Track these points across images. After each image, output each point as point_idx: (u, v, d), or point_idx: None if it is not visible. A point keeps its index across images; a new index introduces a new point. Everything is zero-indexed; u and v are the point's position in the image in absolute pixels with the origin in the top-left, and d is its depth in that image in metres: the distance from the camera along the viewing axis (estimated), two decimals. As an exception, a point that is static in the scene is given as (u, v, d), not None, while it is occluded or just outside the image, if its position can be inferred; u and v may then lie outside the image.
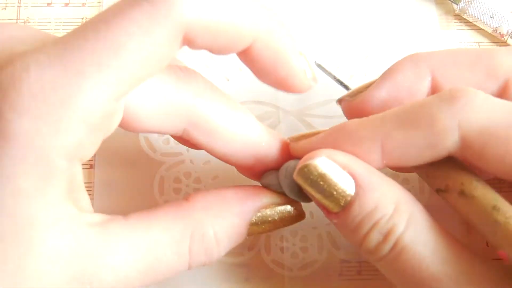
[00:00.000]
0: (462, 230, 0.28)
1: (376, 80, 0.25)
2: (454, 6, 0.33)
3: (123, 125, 0.22)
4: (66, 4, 0.33)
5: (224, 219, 0.22)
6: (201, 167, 0.29)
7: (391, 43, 0.32)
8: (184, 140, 0.24)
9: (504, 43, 0.32)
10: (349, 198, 0.21)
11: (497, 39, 0.32)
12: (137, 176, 0.29)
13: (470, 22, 0.33)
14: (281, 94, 0.31)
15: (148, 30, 0.19)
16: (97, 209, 0.28)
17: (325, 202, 0.22)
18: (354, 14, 0.33)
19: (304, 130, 0.30)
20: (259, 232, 0.24)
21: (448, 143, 0.21)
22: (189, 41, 0.20)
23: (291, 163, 0.24)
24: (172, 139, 0.30)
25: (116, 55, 0.18)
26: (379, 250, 0.21)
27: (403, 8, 0.33)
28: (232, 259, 0.28)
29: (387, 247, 0.21)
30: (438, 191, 0.22)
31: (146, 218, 0.21)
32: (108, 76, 0.18)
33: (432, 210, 0.28)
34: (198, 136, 0.23)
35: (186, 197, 0.23)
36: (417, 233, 0.21)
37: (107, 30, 0.19)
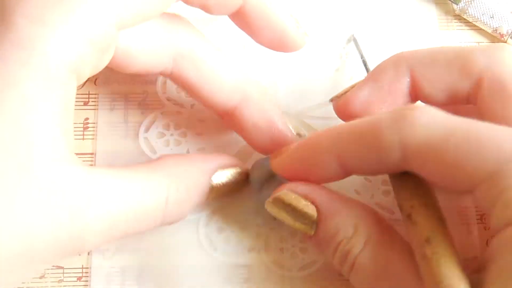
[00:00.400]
0: (462, 230, 0.28)
1: (361, 80, 0.26)
2: (454, 6, 0.33)
3: (114, 65, 0.23)
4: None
5: (192, 175, 0.24)
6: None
7: (391, 43, 0.32)
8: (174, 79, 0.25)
9: (504, 43, 0.32)
10: (315, 223, 0.24)
11: (497, 39, 0.32)
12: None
13: (470, 22, 0.33)
14: (281, 95, 0.31)
15: None
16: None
17: (299, 227, 0.24)
18: (354, 14, 0.33)
19: (304, 132, 0.30)
20: (216, 194, 0.26)
21: (392, 158, 0.21)
22: None
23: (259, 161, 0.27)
24: (172, 140, 0.30)
25: None
26: (342, 268, 0.24)
27: (403, 9, 0.33)
28: (232, 260, 0.28)
29: (346, 266, 0.23)
30: (399, 208, 0.23)
31: (128, 169, 0.23)
32: (118, 3, 0.20)
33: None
34: (186, 70, 0.24)
35: (158, 158, 0.25)
36: (374, 254, 0.22)
37: None
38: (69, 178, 0.20)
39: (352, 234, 0.23)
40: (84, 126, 0.30)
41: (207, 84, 0.25)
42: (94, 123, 0.30)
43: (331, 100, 0.27)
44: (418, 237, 0.22)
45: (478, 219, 0.28)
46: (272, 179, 0.26)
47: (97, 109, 0.30)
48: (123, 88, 0.31)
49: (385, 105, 0.25)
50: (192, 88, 0.25)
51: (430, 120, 0.21)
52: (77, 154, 0.29)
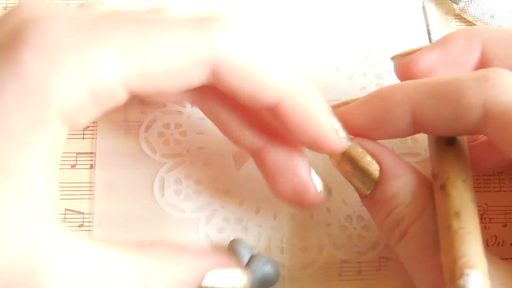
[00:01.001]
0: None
1: (428, 45, 0.26)
2: (454, 5, 0.32)
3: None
4: (67, 5, 0.33)
5: (178, 270, 0.22)
6: (200, 168, 0.29)
7: (391, 43, 0.32)
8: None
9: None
10: (374, 182, 0.23)
11: (498, 39, 0.32)
12: (138, 177, 0.29)
13: (470, 21, 0.33)
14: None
15: (183, 44, 0.20)
16: (98, 210, 0.28)
17: (356, 183, 0.24)
18: (353, 14, 0.33)
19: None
20: None
21: (472, 118, 0.21)
22: (214, 78, 0.20)
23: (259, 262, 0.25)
24: (172, 140, 0.30)
25: (145, 48, 0.19)
26: (392, 235, 0.23)
27: (403, 8, 0.33)
28: (232, 260, 0.28)
29: (397, 233, 0.23)
30: (431, 175, 0.23)
31: (116, 245, 0.21)
32: (129, 61, 0.19)
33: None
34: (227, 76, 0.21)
35: (150, 243, 0.22)
36: (427, 226, 0.22)
37: (150, 27, 0.20)
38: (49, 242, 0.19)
39: (409, 201, 0.23)
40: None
41: (252, 85, 0.22)
42: (94, 122, 0.30)
43: (393, 58, 0.27)
44: (448, 209, 0.21)
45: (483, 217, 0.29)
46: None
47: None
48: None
49: (449, 74, 0.24)
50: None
51: None
52: (77, 153, 0.29)
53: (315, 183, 0.25)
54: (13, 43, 0.19)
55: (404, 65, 0.26)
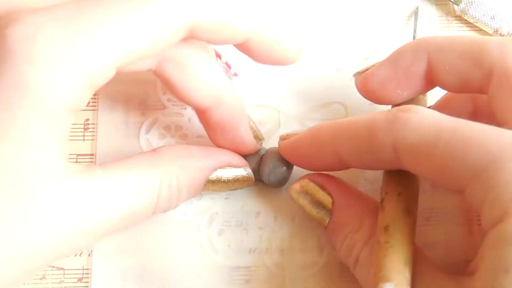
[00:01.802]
0: (464, 231, 0.28)
1: (381, 60, 0.27)
2: (455, 7, 0.32)
3: None
4: None
5: (187, 171, 0.25)
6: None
7: (391, 44, 0.32)
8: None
9: None
10: (328, 215, 0.25)
11: (498, 40, 0.32)
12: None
13: (471, 23, 0.33)
14: (282, 98, 0.31)
15: (163, 18, 0.21)
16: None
17: (315, 215, 0.26)
18: (353, 15, 0.33)
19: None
20: (213, 189, 0.26)
21: (386, 157, 0.22)
22: (192, 35, 0.22)
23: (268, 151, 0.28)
24: (173, 142, 0.30)
25: (130, 30, 0.21)
26: (348, 262, 0.25)
27: (403, 9, 0.33)
28: (232, 262, 0.28)
29: (351, 260, 0.24)
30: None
31: (122, 165, 0.23)
32: (118, 46, 0.21)
33: (434, 210, 0.28)
34: (167, 73, 0.24)
35: (155, 149, 0.25)
36: (372, 254, 0.23)
37: (129, 6, 0.21)
38: (63, 192, 0.21)
39: (357, 229, 0.24)
40: (85, 127, 0.30)
41: (183, 86, 0.25)
42: (94, 124, 0.30)
43: (354, 75, 0.28)
44: (380, 223, 0.23)
45: (478, 219, 0.28)
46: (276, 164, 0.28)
47: (97, 109, 0.30)
48: (123, 89, 0.31)
49: (401, 87, 0.26)
50: (169, 85, 0.26)
51: (422, 122, 0.21)
52: (77, 155, 0.29)
53: (249, 137, 0.27)
54: (2, 52, 0.20)
55: (361, 82, 0.27)
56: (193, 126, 0.30)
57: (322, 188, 0.25)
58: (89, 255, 0.28)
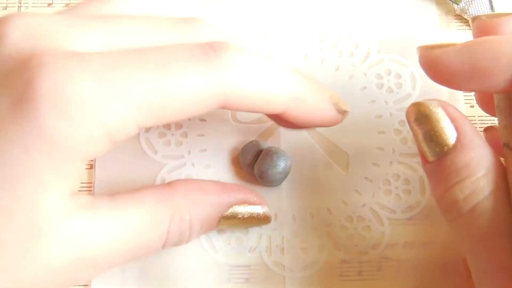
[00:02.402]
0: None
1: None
2: (455, 6, 0.32)
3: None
4: (67, 5, 0.33)
5: (200, 207, 0.24)
6: (202, 170, 0.29)
7: (391, 42, 0.32)
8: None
9: (505, 43, 0.32)
10: (445, 149, 0.22)
11: (498, 39, 0.32)
12: (138, 177, 0.29)
13: (471, 22, 0.33)
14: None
15: (196, 90, 0.21)
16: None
17: (424, 146, 0.22)
18: (354, 14, 0.33)
19: (306, 135, 0.30)
20: (227, 226, 0.26)
21: None
22: (224, 105, 0.22)
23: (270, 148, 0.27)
24: (173, 141, 0.30)
25: (161, 96, 0.20)
26: (453, 208, 0.22)
27: (403, 8, 0.33)
28: (232, 260, 0.28)
29: (466, 207, 0.21)
30: (505, 146, 0.22)
31: (131, 199, 0.23)
32: (145, 110, 0.20)
33: (434, 209, 0.29)
34: (236, 104, 0.23)
35: (169, 183, 0.25)
36: (499, 204, 0.21)
37: (165, 72, 0.20)
38: (74, 233, 0.21)
39: (482, 174, 0.21)
40: (84, 125, 0.30)
41: (252, 102, 0.23)
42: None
43: (475, 17, 0.25)
44: None
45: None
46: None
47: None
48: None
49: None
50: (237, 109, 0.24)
51: None
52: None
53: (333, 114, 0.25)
54: (28, 95, 0.19)
55: (489, 28, 0.23)
56: (194, 124, 0.30)
57: (451, 119, 0.22)
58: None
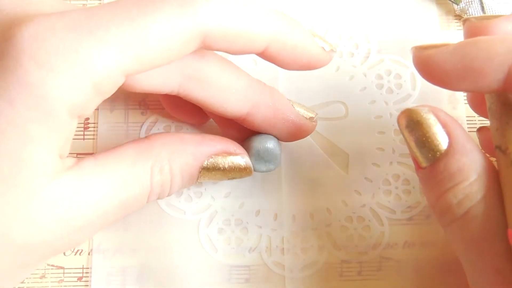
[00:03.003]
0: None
1: (507, 15, 0.24)
2: (455, 6, 0.32)
3: (123, 87, 0.23)
4: None
5: (180, 157, 0.24)
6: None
7: (391, 43, 0.32)
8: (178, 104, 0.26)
9: (505, 43, 0.32)
10: (437, 155, 0.22)
11: (498, 39, 0.32)
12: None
13: (471, 22, 0.33)
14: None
15: (173, 25, 0.21)
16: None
17: (416, 152, 0.22)
18: (355, 14, 0.33)
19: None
20: (209, 178, 0.25)
21: None
22: (206, 45, 0.22)
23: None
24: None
25: (139, 36, 0.20)
26: (447, 214, 0.22)
27: (404, 9, 0.33)
28: (232, 260, 0.28)
29: (459, 211, 0.21)
30: (497, 150, 0.22)
31: (112, 155, 0.23)
32: (127, 52, 0.20)
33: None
34: (192, 91, 0.24)
35: (147, 136, 0.25)
36: (492, 208, 0.21)
37: (138, 13, 0.21)
38: (61, 192, 0.21)
39: (474, 179, 0.21)
40: (85, 126, 0.30)
41: (214, 102, 0.25)
42: (94, 123, 0.30)
43: (465, 20, 0.24)
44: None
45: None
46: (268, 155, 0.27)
47: (98, 109, 0.30)
48: (123, 88, 0.31)
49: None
50: (200, 104, 0.25)
51: None
52: (77, 154, 0.29)
53: (304, 117, 0.27)
54: (9, 49, 0.20)
55: (479, 29, 0.23)
56: (193, 126, 0.30)
57: (443, 124, 0.22)
58: (89, 254, 0.28)
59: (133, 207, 0.24)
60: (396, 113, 0.31)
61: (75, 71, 0.20)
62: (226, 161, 0.25)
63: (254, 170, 0.27)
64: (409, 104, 0.31)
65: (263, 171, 0.27)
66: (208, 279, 0.28)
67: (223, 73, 0.25)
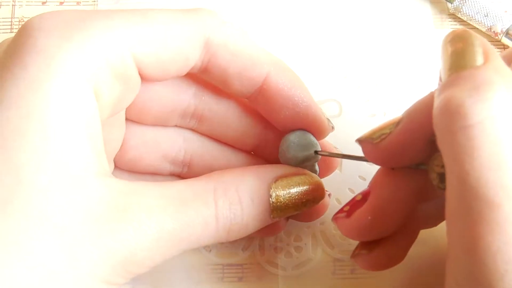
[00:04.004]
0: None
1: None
2: (449, 5, 0.33)
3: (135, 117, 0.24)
4: (61, 3, 0.33)
5: (244, 179, 0.23)
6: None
7: (385, 41, 0.32)
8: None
9: (498, 42, 0.32)
10: (468, 67, 0.18)
11: (491, 38, 0.32)
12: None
13: (464, 20, 0.33)
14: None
15: (176, 19, 0.22)
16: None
17: (449, 60, 0.19)
18: (350, 13, 0.33)
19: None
20: (283, 211, 0.23)
21: None
22: (210, 55, 0.23)
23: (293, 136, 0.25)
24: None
25: (144, 19, 0.21)
26: (468, 114, 0.17)
27: (398, 7, 0.33)
28: (226, 259, 0.28)
29: (479, 116, 0.17)
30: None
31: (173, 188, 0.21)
32: (132, 35, 0.21)
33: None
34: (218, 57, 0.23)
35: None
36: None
37: (142, 9, 0.21)
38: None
39: (503, 91, 0.17)
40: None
41: (236, 63, 0.23)
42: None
43: (358, 140, 0.24)
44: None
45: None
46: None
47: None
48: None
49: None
50: (221, 75, 0.24)
51: None
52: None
53: (319, 111, 0.25)
54: (21, 30, 0.20)
55: (370, 150, 0.23)
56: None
57: (484, 51, 0.19)
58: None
59: (196, 236, 0.21)
60: (389, 112, 0.31)
61: (86, 42, 0.20)
62: (294, 182, 0.24)
63: (293, 157, 0.25)
64: (402, 101, 0.31)
65: (304, 158, 0.25)
66: (201, 278, 0.28)
67: (240, 37, 0.24)
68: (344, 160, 0.30)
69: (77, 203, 0.19)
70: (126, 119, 0.25)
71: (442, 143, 0.18)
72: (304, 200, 0.24)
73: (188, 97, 0.25)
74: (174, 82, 0.25)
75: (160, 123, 0.26)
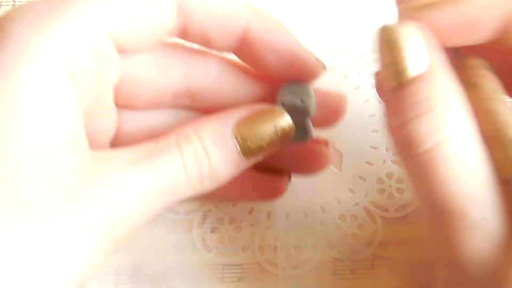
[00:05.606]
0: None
1: None
2: (449, 4, 0.33)
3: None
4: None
5: (204, 125, 0.22)
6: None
7: (385, 42, 0.32)
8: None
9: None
10: (410, 77, 0.19)
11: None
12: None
13: None
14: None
15: None
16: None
17: (388, 70, 0.20)
18: (347, 11, 0.33)
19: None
20: (254, 151, 0.22)
21: None
22: (185, 14, 0.22)
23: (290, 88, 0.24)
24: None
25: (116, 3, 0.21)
26: (418, 143, 0.19)
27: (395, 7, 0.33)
28: (225, 259, 0.28)
29: (428, 143, 0.19)
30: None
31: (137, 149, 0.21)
32: (107, 12, 0.21)
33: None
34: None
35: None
36: (463, 146, 0.19)
37: None
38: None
39: (449, 111, 0.19)
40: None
41: (218, 17, 0.23)
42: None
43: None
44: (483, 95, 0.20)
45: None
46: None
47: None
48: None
49: None
50: (203, 20, 0.23)
51: None
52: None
53: (308, 53, 0.24)
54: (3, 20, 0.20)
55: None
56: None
57: (427, 46, 0.20)
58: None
59: (180, 195, 0.21)
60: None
61: (56, 24, 0.20)
62: (257, 119, 0.23)
63: (288, 104, 0.24)
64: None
65: (297, 106, 0.24)
66: (201, 278, 0.28)
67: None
68: (344, 160, 0.30)
69: (50, 175, 0.19)
70: (117, 106, 0.24)
71: (405, 169, 0.20)
72: (273, 136, 0.23)
73: (178, 77, 0.25)
74: (162, 63, 0.24)
75: (152, 106, 0.25)
